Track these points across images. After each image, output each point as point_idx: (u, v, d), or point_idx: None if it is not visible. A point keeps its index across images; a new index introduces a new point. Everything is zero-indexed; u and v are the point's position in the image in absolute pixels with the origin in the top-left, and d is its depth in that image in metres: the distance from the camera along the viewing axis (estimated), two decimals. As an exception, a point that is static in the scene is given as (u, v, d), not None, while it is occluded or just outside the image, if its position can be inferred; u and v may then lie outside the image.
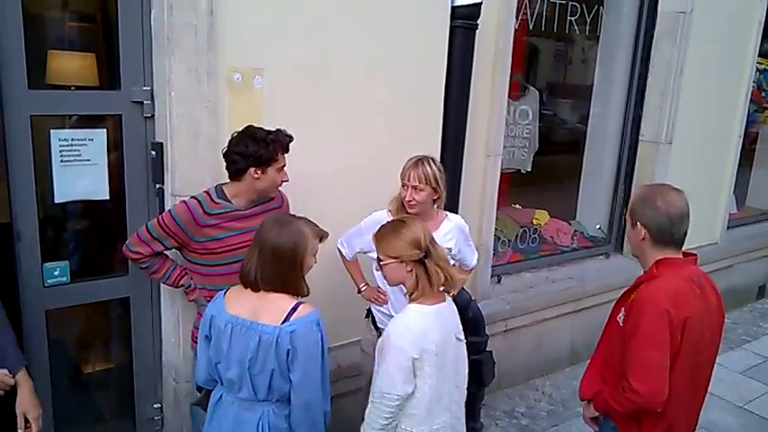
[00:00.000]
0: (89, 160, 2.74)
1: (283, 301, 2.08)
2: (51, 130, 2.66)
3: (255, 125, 2.58)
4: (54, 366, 2.88)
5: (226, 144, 2.57)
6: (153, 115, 2.80)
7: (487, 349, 3.39)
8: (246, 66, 2.82)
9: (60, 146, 2.67)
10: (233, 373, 2.08)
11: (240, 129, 2.57)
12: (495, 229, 4.09)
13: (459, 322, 2.41)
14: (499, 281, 4.27)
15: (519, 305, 4.12)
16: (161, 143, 2.77)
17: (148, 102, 2.78)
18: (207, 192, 2.59)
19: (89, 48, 3.31)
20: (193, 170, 2.76)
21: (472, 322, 3.16)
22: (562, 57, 7.34)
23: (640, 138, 4.94)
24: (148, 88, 2.77)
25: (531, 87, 4.79)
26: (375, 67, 3.20)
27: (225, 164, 2.56)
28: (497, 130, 3.83)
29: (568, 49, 6.91)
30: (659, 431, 2.21)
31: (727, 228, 5.73)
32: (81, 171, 2.73)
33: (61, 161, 2.68)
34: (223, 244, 2.54)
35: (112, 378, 3.53)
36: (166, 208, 2.79)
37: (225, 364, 2.09)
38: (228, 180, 2.60)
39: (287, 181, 2.64)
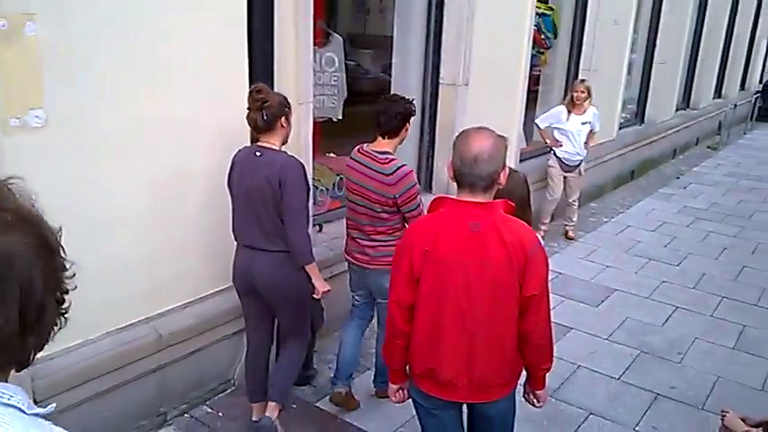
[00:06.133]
0: None
1: None
2: None
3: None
4: None
5: None
6: None
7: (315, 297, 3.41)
8: (13, 10, 2.45)
9: None
10: None
11: None
12: (313, 178, 4.08)
13: None
14: (321, 229, 4.30)
15: (342, 251, 4.15)
16: None
17: None
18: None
19: None
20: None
21: (298, 271, 3.15)
22: (361, 7, 7.42)
23: (440, 81, 5.18)
24: None
25: (335, 34, 4.78)
26: (170, 20, 2.97)
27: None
28: (306, 77, 3.77)
29: (365, -2, 7.01)
30: (417, 370, 2.34)
31: (520, 161, 6.32)
32: None
33: None
34: None
35: None
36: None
37: None
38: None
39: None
